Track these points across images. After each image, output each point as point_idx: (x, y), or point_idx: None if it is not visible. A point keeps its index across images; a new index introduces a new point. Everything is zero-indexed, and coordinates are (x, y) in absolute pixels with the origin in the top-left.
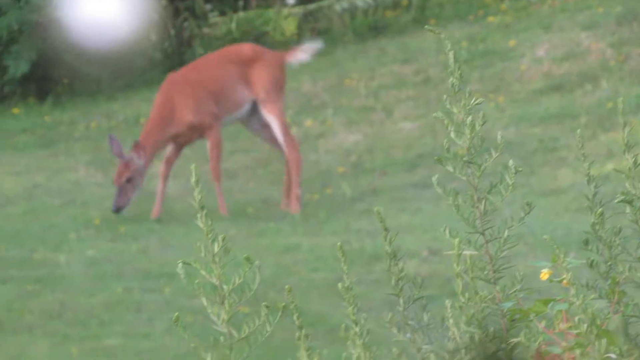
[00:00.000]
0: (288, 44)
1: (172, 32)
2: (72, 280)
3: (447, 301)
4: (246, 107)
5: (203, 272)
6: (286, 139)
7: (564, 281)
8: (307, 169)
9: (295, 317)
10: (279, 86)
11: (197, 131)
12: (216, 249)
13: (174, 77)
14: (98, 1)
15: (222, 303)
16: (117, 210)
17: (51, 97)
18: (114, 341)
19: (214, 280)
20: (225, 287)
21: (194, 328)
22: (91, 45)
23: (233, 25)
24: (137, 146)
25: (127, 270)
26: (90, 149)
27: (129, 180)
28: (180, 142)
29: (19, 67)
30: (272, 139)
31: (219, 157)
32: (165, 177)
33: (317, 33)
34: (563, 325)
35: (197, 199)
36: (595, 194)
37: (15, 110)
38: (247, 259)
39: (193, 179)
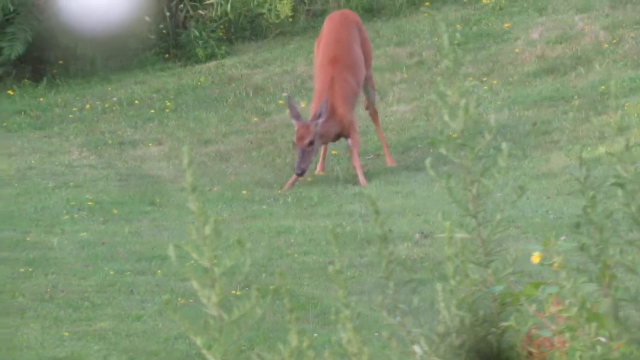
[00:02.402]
0: (283, 26)
1: (167, 13)
2: (64, 262)
3: (438, 284)
4: None
5: (194, 255)
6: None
7: (555, 264)
8: None
9: (286, 301)
10: None
11: None
12: (207, 232)
13: None
14: None
15: (213, 286)
16: (302, 173)
17: (46, 79)
18: (106, 324)
19: (205, 263)
20: (216, 269)
21: (186, 311)
22: (86, 26)
23: (228, 7)
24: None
25: (120, 252)
26: (84, 131)
27: (311, 143)
28: None
29: (14, 48)
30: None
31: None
32: None
33: (312, 15)
34: (553, 309)
35: (189, 181)
36: (587, 177)
37: (10, 92)
38: (239, 241)
39: (185, 161)
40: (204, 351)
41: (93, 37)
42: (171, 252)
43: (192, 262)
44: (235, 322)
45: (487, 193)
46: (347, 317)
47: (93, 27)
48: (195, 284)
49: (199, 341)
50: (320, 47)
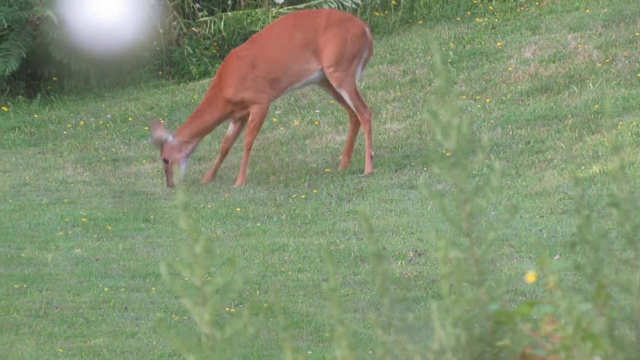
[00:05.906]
0: None
1: (161, 31)
2: (59, 278)
3: (433, 303)
4: (312, 76)
5: (185, 273)
6: (357, 105)
7: (550, 283)
8: (294, 169)
9: (280, 318)
10: (350, 55)
11: (243, 106)
12: (198, 250)
13: (230, 53)
14: None
15: (205, 304)
16: (170, 186)
17: (40, 95)
18: (100, 340)
19: (196, 281)
20: (207, 287)
21: (180, 328)
22: (80, 43)
23: (221, 25)
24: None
25: (114, 269)
26: (78, 147)
27: (165, 161)
28: (239, 118)
29: (8, 64)
30: (345, 104)
31: (256, 130)
32: (224, 153)
33: None
34: (548, 328)
35: (180, 198)
36: (581, 196)
37: (4, 108)
38: (231, 260)
39: (175, 179)
40: None
41: (87, 53)
42: (163, 269)
43: (185, 279)
44: (227, 340)
45: (481, 212)
46: (341, 334)
47: (87, 43)
48: (186, 302)
49: (191, 359)
50: None
